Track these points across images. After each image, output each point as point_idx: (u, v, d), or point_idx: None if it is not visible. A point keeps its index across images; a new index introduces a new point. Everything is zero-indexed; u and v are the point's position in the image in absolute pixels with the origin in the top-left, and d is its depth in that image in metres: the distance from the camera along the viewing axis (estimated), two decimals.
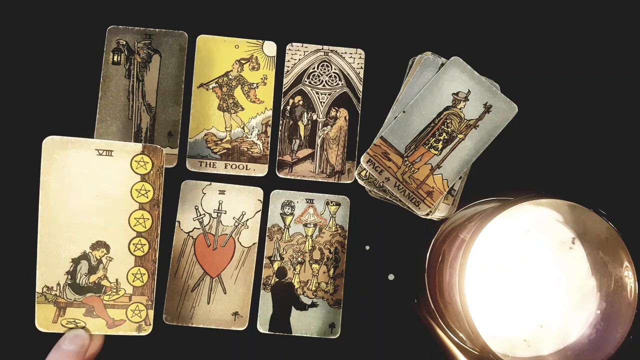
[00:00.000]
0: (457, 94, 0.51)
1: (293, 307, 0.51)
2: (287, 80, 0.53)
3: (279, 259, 0.52)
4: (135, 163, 0.44)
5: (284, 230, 0.52)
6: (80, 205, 0.43)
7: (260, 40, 0.53)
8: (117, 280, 0.44)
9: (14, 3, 0.52)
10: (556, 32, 0.54)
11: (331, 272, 0.52)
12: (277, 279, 0.52)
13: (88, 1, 0.53)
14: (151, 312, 0.45)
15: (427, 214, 0.50)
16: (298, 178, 0.53)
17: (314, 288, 0.52)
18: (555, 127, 0.53)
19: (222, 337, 0.51)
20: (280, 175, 0.53)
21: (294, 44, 0.53)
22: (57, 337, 0.44)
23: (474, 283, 0.43)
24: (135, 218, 0.44)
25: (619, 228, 0.41)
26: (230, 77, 0.53)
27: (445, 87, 0.51)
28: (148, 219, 0.44)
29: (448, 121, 0.50)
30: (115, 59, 0.52)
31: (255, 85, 0.53)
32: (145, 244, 0.44)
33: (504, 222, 0.44)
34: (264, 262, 0.52)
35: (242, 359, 0.51)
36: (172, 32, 0.53)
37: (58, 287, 0.44)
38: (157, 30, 0.53)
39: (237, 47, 0.53)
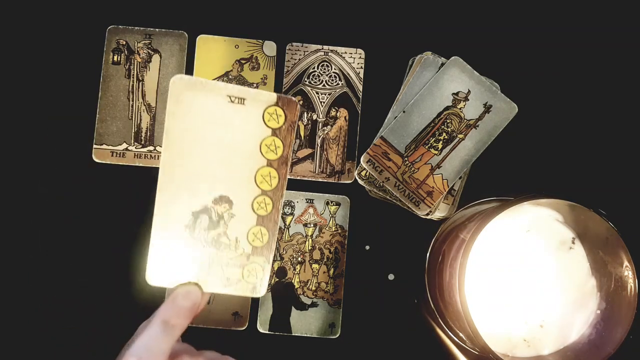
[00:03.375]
0: (457, 93, 0.51)
1: (293, 307, 0.51)
2: (287, 80, 0.53)
3: (279, 258, 0.52)
4: (268, 115, 0.40)
5: (284, 230, 0.52)
6: (206, 154, 0.40)
7: (260, 40, 0.53)
8: (236, 238, 0.41)
9: (14, 3, 0.52)
10: (556, 32, 0.54)
11: (331, 272, 0.52)
12: (277, 279, 0.52)
13: (88, 1, 0.53)
14: (268, 274, 0.42)
15: (427, 214, 0.50)
16: (298, 178, 0.53)
17: (314, 288, 0.52)
18: (555, 127, 0.53)
19: (222, 337, 0.51)
20: None
21: (293, 43, 0.53)
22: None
23: (474, 283, 0.43)
24: (262, 175, 0.41)
25: (619, 228, 0.41)
26: (230, 77, 0.53)
27: (445, 87, 0.51)
28: (275, 177, 0.41)
29: (448, 121, 0.50)
30: (115, 58, 0.52)
31: (255, 85, 0.53)
32: (269, 203, 0.41)
33: (504, 222, 0.44)
34: None
35: (242, 359, 0.51)
36: (172, 32, 0.53)
37: (176, 241, 0.41)
38: (157, 30, 0.53)
39: (237, 47, 0.53)
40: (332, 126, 0.53)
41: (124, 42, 0.52)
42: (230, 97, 0.40)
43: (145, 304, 0.50)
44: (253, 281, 0.42)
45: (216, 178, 0.40)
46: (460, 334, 0.46)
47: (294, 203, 0.52)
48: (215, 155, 0.40)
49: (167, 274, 0.41)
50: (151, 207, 0.51)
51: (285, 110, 0.41)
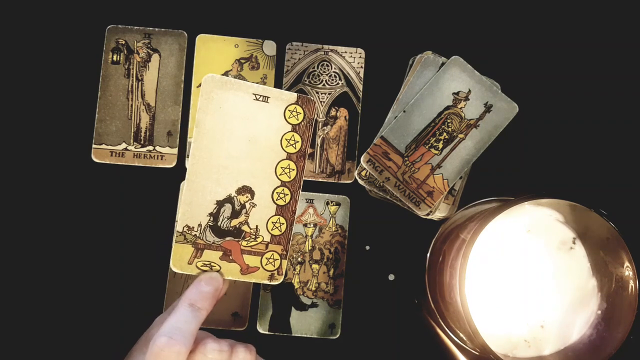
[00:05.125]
0: (457, 93, 0.51)
1: (293, 308, 0.51)
2: (287, 79, 0.53)
3: None
4: (289, 112, 0.44)
5: None
6: (232, 148, 0.43)
7: (260, 40, 0.53)
8: (257, 227, 0.44)
9: (14, 2, 0.52)
10: (557, 31, 0.54)
11: (331, 272, 0.52)
12: None
13: (88, 1, 0.53)
14: (285, 262, 0.45)
15: (428, 214, 0.50)
16: None
17: (314, 288, 0.51)
18: (555, 127, 0.53)
19: (221, 337, 0.51)
20: None
21: (293, 43, 0.53)
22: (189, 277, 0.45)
23: (475, 283, 0.43)
24: (281, 167, 0.44)
25: (620, 228, 0.41)
26: (229, 76, 0.53)
27: (445, 86, 0.50)
28: (293, 169, 0.44)
29: (448, 121, 0.50)
30: (114, 58, 0.52)
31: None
32: (287, 194, 0.44)
33: (504, 222, 0.44)
34: None
35: None
36: (171, 32, 0.53)
37: (199, 228, 0.43)
38: (156, 29, 0.53)
39: (236, 46, 0.53)
40: (332, 126, 0.53)
41: (124, 42, 0.52)
42: (255, 95, 0.43)
43: (146, 303, 0.50)
44: (271, 269, 0.44)
45: (240, 169, 0.43)
46: (461, 334, 0.46)
47: None
48: (241, 148, 0.43)
49: (191, 261, 0.44)
50: (151, 206, 0.52)
51: (304, 108, 0.44)
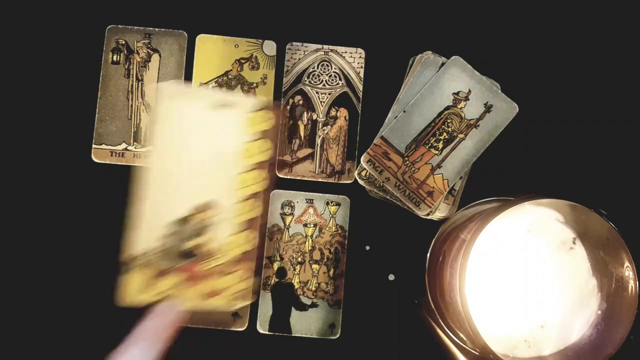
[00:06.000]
0: (457, 93, 0.51)
1: (293, 308, 0.51)
2: (287, 79, 0.53)
3: (278, 259, 0.52)
4: (252, 119, 0.40)
5: (283, 230, 0.52)
6: (190, 161, 0.39)
7: (260, 40, 0.53)
8: (219, 246, 0.40)
9: (14, 2, 0.52)
10: (557, 31, 0.54)
11: (331, 272, 0.52)
12: (277, 280, 0.51)
13: (88, 1, 0.53)
14: (256, 280, 0.41)
15: (428, 214, 0.50)
16: (298, 178, 0.52)
17: (314, 288, 0.51)
18: (555, 127, 0.53)
19: (222, 337, 0.51)
20: (280, 175, 0.52)
21: (293, 43, 0.53)
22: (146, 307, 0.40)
23: (475, 283, 0.43)
24: (246, 179, 0.40)
25: (620, 228, 0.41)
26: (229, 76, 0.53)
27: (445, 86, 0.50)
28: (259, 181, 0.40)
29: (448, 121, 0.50)
30: (114, 58, 0.52)
31: (254, 84, 0.53)
32: (254, 208, 0.40)
33: (504, 223, 0.44)
34: (264, 263, 0.51)
35: (242, 359, 0.51)
36: (171, 32, 0.53)
37: (153, 253, 0.39)
38: (156, 29, 0.53)
39: (236, 46, 0.53)
40: (332, 126, 0.53)
41: (124, 42, 0.52)
42: (214, 103, 0.39)
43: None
44: (240, 289, 0.41)
45: (200, 184, 0.39)
46: (461, 334, 0.46)
47: (294, 203, 0.52)
48: (201, 161, 0.39)
49: (147, 289, 0.39)
50: None
51: (269, 114, 0.40)
